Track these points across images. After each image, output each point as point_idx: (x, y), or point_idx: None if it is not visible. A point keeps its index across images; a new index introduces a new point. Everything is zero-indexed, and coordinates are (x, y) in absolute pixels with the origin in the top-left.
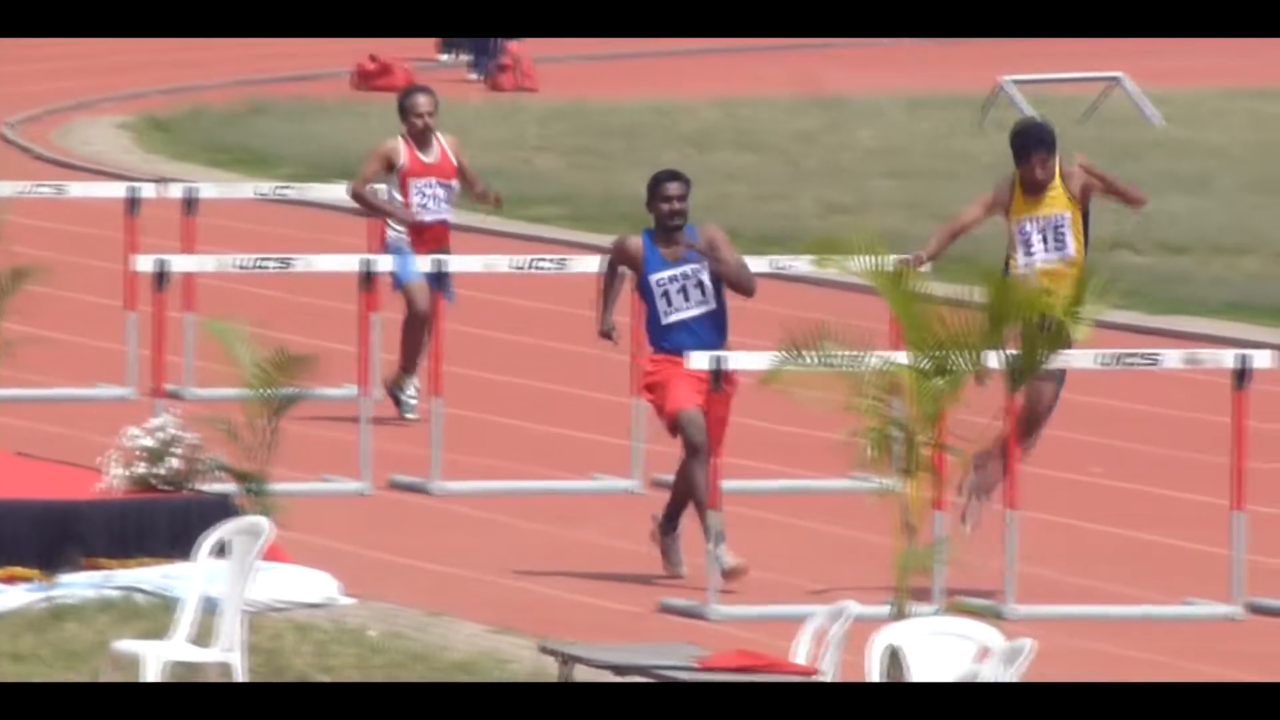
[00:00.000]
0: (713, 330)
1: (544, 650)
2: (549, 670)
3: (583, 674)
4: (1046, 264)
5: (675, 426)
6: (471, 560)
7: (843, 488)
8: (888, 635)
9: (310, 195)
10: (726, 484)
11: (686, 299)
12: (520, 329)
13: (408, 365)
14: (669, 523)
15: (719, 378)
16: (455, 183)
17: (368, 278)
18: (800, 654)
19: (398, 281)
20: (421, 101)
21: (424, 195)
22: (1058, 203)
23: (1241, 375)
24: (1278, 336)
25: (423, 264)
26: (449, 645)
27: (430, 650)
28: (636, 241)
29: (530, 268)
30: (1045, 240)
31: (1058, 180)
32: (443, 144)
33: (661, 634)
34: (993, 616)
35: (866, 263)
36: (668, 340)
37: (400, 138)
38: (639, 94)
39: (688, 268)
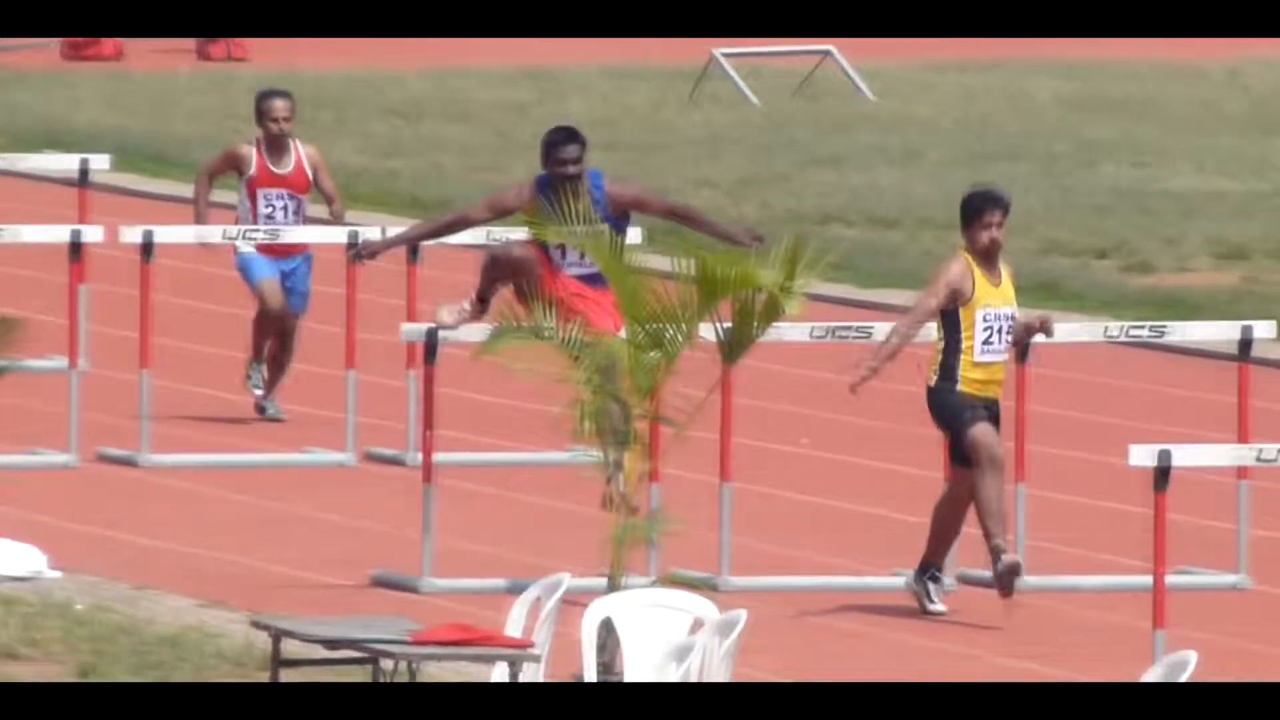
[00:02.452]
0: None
1: (254, 624)
2: (259, 644)
3: (294, 648)
4: (1000, 360)
5: None
6: (181, 533)
7: (558, 460)
8: (602, 608)
9: (18, 165)
10: (439, 457)
11: (582, 255)
12: (233, 300)
13: (256, 355)
14: None
15: (434, 352)
16: (307, 197)
17: (76, 248)
18: (514, 627)
19: (249, 282)
20: (278, 105)
21: (272, 207)
22: (1010, 294)
23: None
24: None
25: (132, 234)
26: (156, 619)
27: (137, 624)
28: (532, 197)
29: (241, 238)
30: (1001, 333)
31: (1005, 267)
32: (300, 154)
33: (374, 607)
34: (707, 588)
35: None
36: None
37: (255, 142)
38: (348, 64)
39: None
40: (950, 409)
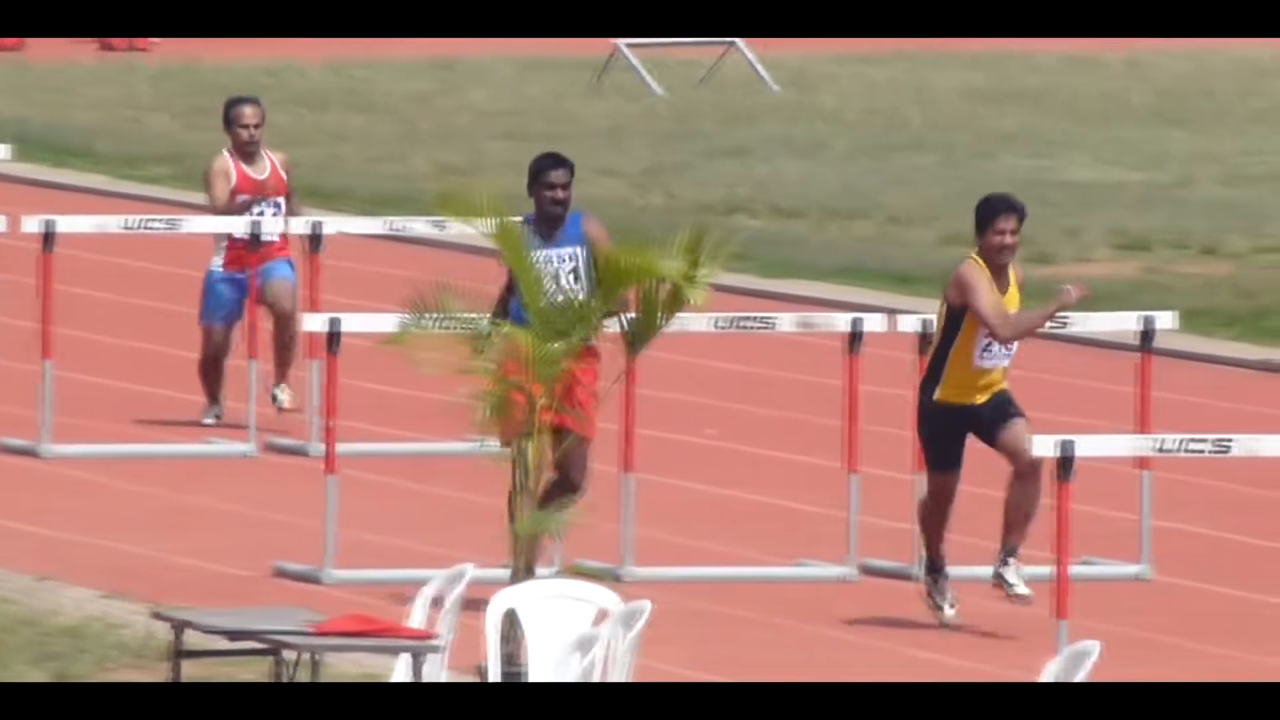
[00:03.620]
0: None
1: (155, 615)
2: (161, 635)
3: (195, 639)
4: (1000, 365)
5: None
6: (82, 524)
7: (461, 450)
8: (505, 599)
9: None
10: (343, 447)
11: (558, 284)
12: (131, 290)
13: (211, 398)
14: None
15: (336, 342)
16: (283, 200)
17: None
18: (417, 618)
19: (202, 316)
20: (247, 112)
21: (253, 214)
22: (1015, 302)
23: (854, 339)
24: (889, 300)
25: (33, 224)
26: (58, 610)
27: (38, 615)
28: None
29: (141, 228)
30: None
31: (1013, 275)
32: (272, 159)
33: (276, 599)
34: (610, 579)
35: (489, 223)
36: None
37: (226, 152)
38: (251, 54)
39: (566, 250)
40: (929, 441)
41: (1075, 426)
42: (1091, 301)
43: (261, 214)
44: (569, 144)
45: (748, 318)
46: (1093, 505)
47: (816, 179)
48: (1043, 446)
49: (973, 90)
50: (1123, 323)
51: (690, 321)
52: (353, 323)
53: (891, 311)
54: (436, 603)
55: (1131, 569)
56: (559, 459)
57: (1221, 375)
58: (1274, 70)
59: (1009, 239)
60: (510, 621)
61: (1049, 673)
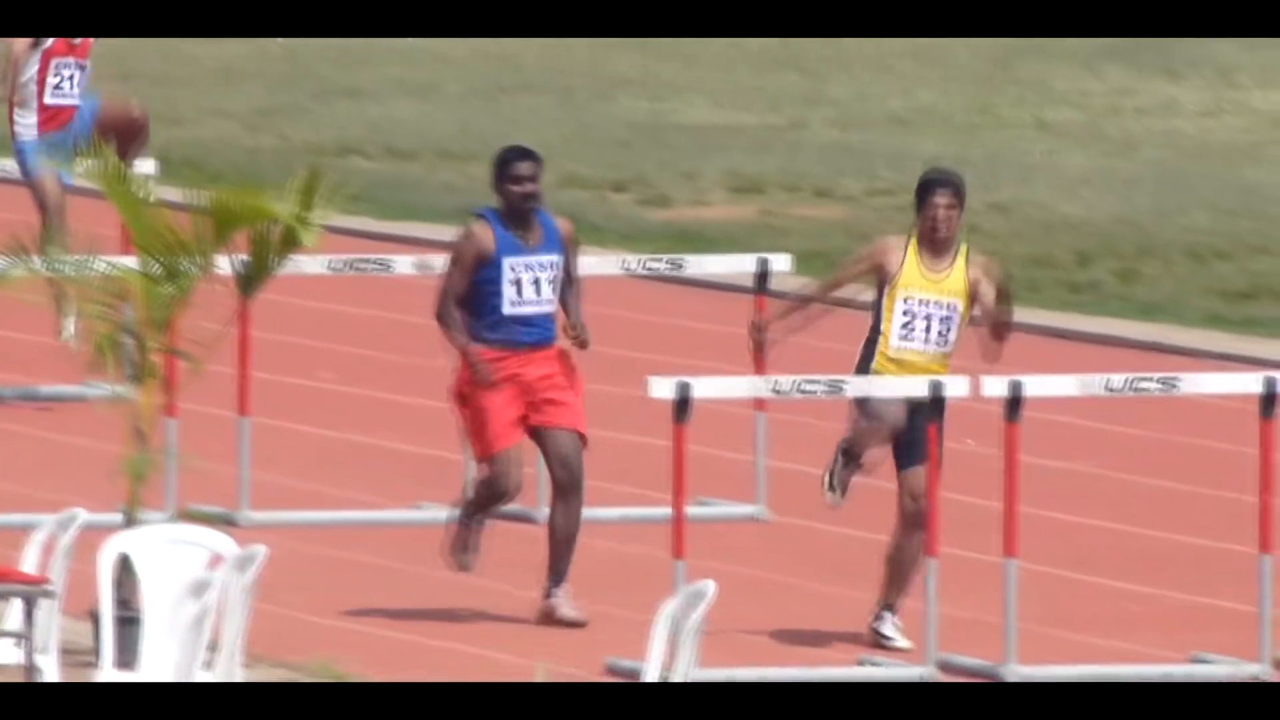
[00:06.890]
0: (549, 330)
1: None
2: None
3: None
4: (924, 353)
5: (489, 469)
6: None
7: (73, 394)
8: (119, 543)
9: None
10: None
11: (538, 292)
12: None
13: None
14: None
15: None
16: (88, 63)
17: None
18: (29, 563)
19: (27, 175)
20: None
21: (61, 77)
22: (954, 287)
23: None
24: None
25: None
26: None
27: None
28: (486, 232)
29: None
30: (929, 324)
31: (961, 259)
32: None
33: None
34: (225, 523)
35: (92, 165)
36: (501, 332)
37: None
38: None
39: (547, 259)
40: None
41: (691, 369)
42: (709, 244)
43: (71, 77)
44: (181, 85)
45: (364, 259)
46: (708, 446)
47: (431, 121)
48: (660, 388)
49: None
50: (738, 265)
51: (304, 264)
52: None
53: None
54: (49, 548)
55: (747, 509)
56: (559, 458)
57: (837, 318)
58: None
59: (942, 212)
60: (123, 566)
61: (665, 613)
